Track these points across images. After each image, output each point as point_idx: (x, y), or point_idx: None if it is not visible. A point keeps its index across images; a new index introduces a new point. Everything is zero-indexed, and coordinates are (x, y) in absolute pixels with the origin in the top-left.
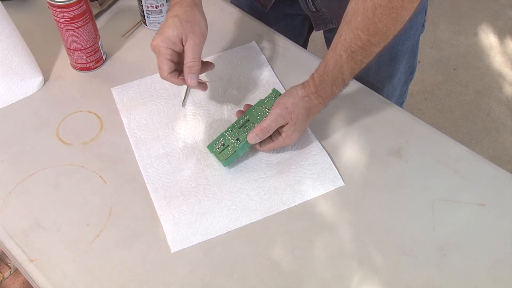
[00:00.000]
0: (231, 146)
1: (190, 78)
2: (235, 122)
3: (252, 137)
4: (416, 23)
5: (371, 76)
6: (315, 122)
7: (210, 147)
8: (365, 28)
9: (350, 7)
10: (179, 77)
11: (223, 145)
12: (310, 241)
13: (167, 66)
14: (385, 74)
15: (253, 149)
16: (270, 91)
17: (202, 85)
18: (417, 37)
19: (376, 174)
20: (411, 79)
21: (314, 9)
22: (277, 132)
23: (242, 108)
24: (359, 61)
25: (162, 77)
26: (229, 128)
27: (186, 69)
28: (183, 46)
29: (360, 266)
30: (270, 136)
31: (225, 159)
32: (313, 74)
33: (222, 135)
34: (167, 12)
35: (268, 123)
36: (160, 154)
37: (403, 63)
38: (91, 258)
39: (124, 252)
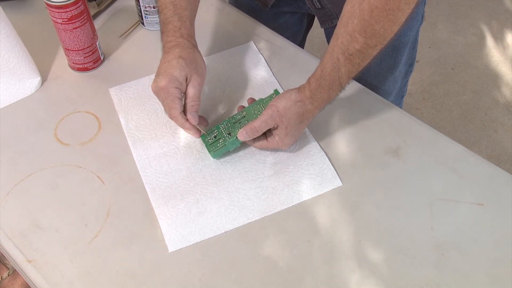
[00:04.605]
0: (222, 140)
1: (192, 116)
2: (232, 117)
3: (242, 135)
4: (417, 14)
5: (373, 68)
6: (313, 122)
7: (204, 136)
8: (362, 30)
9: (346, 9)
10: (187, 122)
11: (215, 137)
12: (308, 241)
13: (179, 105)
14: (388, 65)
15: (251, 149)
16: (268, 91)
17: (201, 124)
18: (417, 27)
19: (374, 174)
20: (411, 71)
21: (319, 6)
22: (272, 133)
23: (244, 103)
24: (356, 64)
25: (173, 116)
26: (225, 121)
27: (188, 108)
28: (186, 86)
29: (358, 265)
30: (266, 135)
31: (214, 151)
32: (309, 78)
33: (217, 127)
34: (165, 54)
35: (258, 123)
36: (158, 154)
37: (405, 54)
38: (89, 259)
39: (122, 253)
